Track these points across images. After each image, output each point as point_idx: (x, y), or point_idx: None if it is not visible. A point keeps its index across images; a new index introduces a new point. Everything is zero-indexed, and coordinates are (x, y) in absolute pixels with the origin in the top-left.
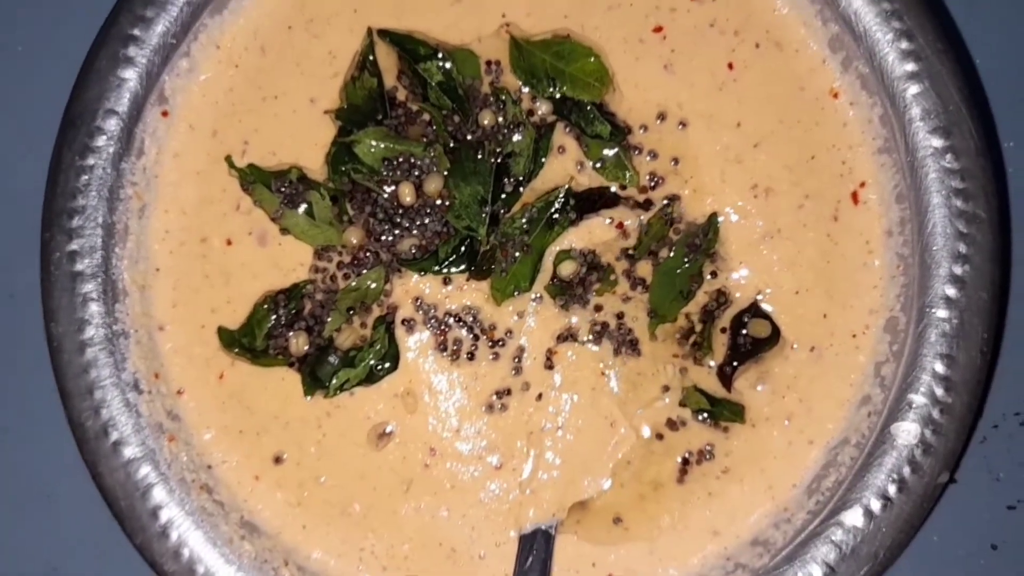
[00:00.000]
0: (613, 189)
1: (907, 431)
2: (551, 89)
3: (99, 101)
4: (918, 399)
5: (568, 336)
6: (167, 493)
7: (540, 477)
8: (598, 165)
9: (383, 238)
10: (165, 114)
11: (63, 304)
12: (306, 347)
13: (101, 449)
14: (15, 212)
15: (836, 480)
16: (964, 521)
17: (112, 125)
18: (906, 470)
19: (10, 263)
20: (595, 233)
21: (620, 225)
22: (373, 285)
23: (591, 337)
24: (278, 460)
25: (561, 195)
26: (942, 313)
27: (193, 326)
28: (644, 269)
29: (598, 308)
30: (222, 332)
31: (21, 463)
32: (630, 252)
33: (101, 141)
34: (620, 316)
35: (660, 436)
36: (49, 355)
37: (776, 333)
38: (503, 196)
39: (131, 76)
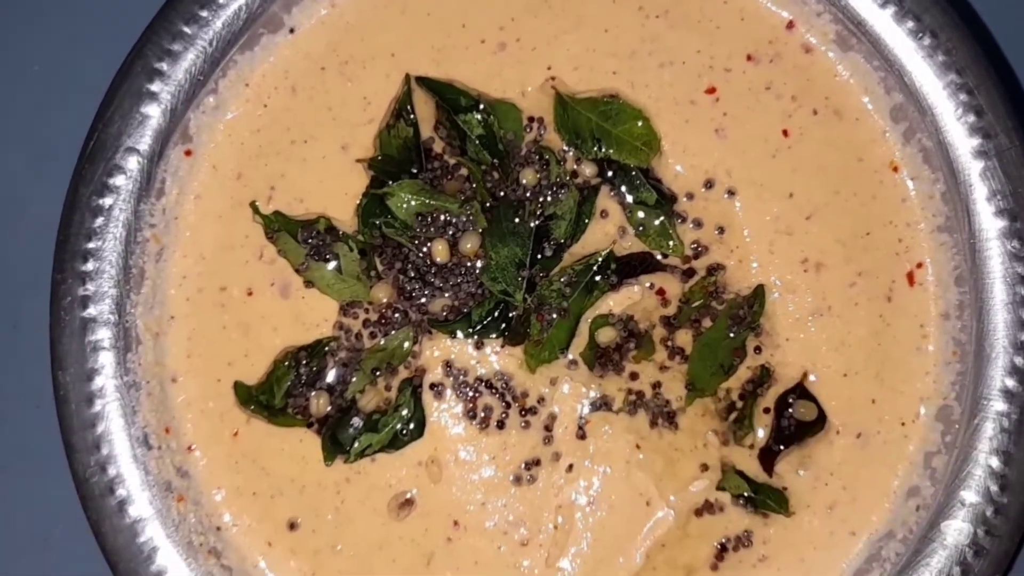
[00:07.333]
0: (656, 256)
1: (958, 530)
2: (596, 150)
3: (119, 137)
4: (971, 496)
5: (602, 405)
6: (173, 556)
7: (569, 554)
8: (640, 229)
9: (413, 297)
10: (188, 153)
11: (72, 351)
12: (327, 408)
13: (106, 507)
14: (24, 235)
15: None
16: None
17: (132, 163)
18: (956, 571)
19: (16, 292)
20: (634, 299)
21: (661, 292)
22: (402, 346)
23: (626, 407)
24: (293, 526)
25: (602, 258)
26: (1000, 406)
27: (208, 379)
28: (684, 338)
29: (633, 376)
30: (239, 387)
31: (19, 504)
32: (670, 320)
33: (120, 180)
34: (656, 386)
35: (699, 513)
36: (55, 404)
37: (822, 417)
38: (541, 259)
39: (154, 112)
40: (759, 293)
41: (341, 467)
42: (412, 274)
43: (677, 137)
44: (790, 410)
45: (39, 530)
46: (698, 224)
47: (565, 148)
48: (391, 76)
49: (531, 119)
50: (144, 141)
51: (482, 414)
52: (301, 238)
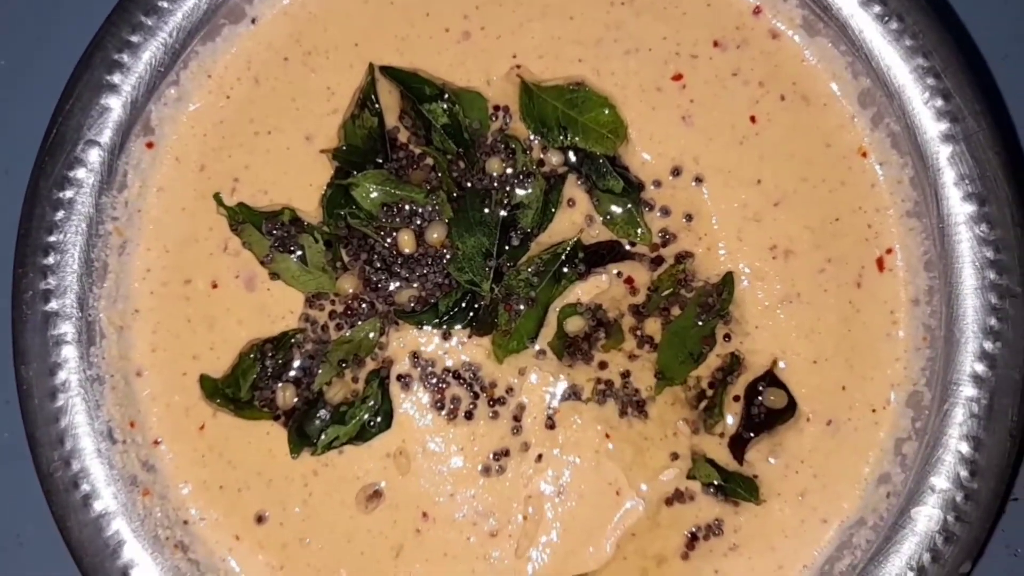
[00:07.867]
0: (624, 244)
1: (928, 516)
2: (562, 139)
3: (80, 130)
4: (941, 482)
5: (571, 395)
6: (139, 551)
7: (539, 544)
8: (608, 218)
9: (380, 288)
10: (150, 145)
11: (35, 345)
12: (294, 400)
13: (70, 502)
14: None
15: (850, 564)
16: None
17: (93, 156)
18: (926, 557)
19: None
20: (602, 287)
21: (629, 280)
22: (368, 337)
23: (596, 396)
24: (260, 519)
25: (569, 247)
26: (970, 391)
27: (173, 373)
28: (653, 327)
29: (603, 365)
30: (204, 381)
31: None
32: (639, 308)
33: (81, 173)
34: (625, 375)
35: (669, 503)
36: (18, 399)
37: (792, 405)
38: (508, 249)
39: (115, 104)
40: (728, 280)
41: (308, 460)
42: (378, 265)
43: (644, 124)
44: (760, 398)
45: (11, 527)
46: (666, 212)
47: (531, 137)
48: (355, 66)
49: (496, 108)
50: (105, 133)
51: (450, 405)
52: (265, 230)
